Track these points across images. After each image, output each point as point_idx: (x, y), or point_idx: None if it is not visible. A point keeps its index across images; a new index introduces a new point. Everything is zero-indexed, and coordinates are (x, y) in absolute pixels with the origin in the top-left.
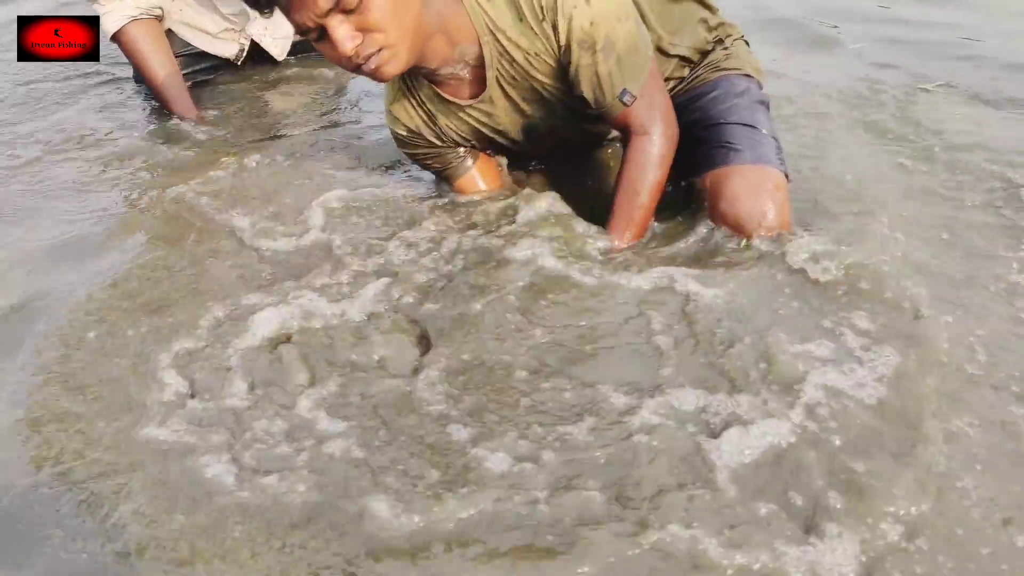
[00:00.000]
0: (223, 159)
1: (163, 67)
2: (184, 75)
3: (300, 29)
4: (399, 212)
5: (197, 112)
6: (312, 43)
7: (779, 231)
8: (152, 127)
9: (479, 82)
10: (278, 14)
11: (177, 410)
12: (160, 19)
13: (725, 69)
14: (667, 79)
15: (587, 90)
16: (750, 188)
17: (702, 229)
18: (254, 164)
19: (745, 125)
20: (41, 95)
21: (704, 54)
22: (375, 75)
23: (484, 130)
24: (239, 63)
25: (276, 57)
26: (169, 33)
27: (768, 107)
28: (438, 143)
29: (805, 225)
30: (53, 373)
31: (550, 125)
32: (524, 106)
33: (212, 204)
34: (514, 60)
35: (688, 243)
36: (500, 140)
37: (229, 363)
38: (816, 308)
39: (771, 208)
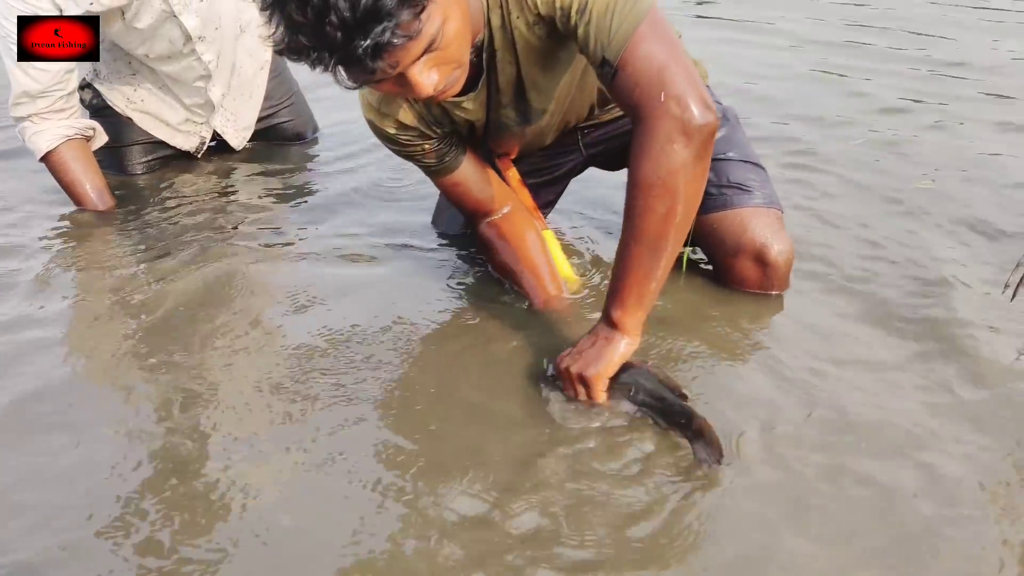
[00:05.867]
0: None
1: (95, 188)
2: (141, 163)
3: (372, 82)
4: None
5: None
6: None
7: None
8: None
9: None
10: (242, 102)
11: None
12: (90, 139)
13: None
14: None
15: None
16: (768, 230)
17: None
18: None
19: (746, 162)
20: None
21: None
22: (441, 96)
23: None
24: (199, 155)
25: (235, 147)
26: (128, 121)
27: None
28: (431, 135)
29: None
30: None
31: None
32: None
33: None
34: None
35: None
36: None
37: None
38: None
39: (785, 247)
